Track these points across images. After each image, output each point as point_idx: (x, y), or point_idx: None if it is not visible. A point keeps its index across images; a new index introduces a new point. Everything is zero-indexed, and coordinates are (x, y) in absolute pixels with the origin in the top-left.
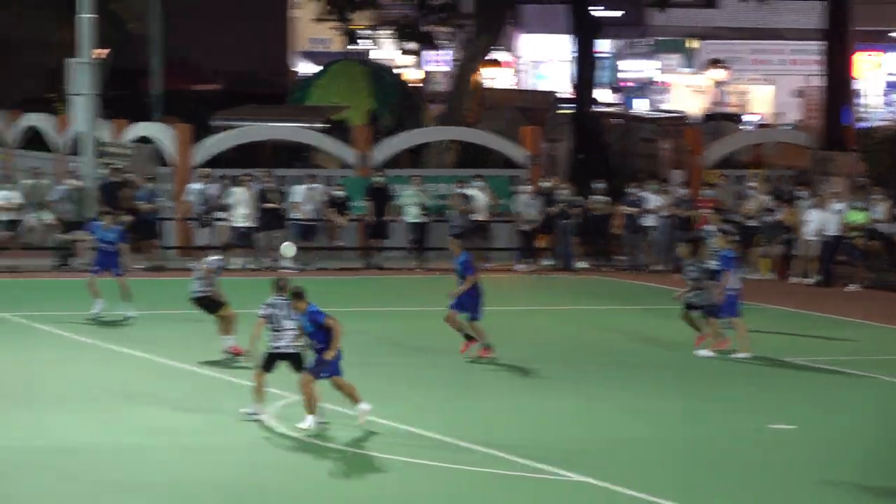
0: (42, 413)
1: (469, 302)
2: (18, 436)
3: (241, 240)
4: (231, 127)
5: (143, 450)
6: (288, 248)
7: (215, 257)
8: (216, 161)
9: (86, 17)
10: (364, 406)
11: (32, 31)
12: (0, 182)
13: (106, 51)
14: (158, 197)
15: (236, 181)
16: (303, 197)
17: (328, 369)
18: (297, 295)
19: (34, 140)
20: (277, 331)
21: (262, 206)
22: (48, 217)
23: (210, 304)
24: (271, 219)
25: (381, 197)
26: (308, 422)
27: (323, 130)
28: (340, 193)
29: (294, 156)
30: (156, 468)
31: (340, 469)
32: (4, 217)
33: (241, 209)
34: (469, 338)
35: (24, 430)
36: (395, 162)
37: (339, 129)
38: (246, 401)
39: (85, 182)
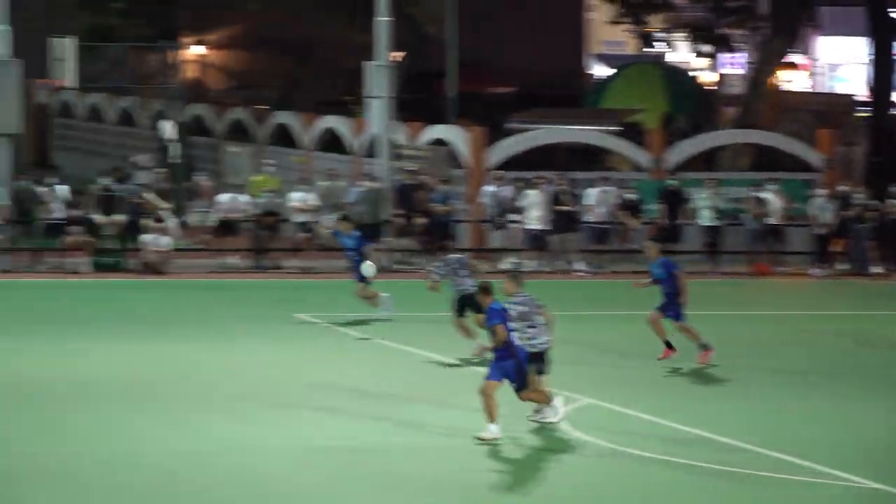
0: (342, 414)
1: (670, 304)
2: (322, 437)
3: (534, 242)
4: (525, 130)
5: (444, 450)
6: (368, 269)
7: (458, 255)
8: (510, 163)
9: (383, 21)
10: (547, 414)
11: (330, 35)
12: (297, 184)
13: (402, 54)
14: (453, 199)
15: (530, 183)
16: (596, 200)
17: (501, 372)
18: (485, 290)
19: (331, 142)
20: (532, 327)
21: (555, 209)
22: None
23: (472, 303)
24: (564, 221)
25: (674, 200)
26: (491, 431)
27: (617, 133)
28: (633, 196)
29: (588, 158)
30: (456, 469)
31: (625, 471)
32: (301, 218)
33: (534, 211)
34: (669, 346)
35: (327, 431)
36: (688, 165)
37: (633, 132)
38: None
39: (380, 184)
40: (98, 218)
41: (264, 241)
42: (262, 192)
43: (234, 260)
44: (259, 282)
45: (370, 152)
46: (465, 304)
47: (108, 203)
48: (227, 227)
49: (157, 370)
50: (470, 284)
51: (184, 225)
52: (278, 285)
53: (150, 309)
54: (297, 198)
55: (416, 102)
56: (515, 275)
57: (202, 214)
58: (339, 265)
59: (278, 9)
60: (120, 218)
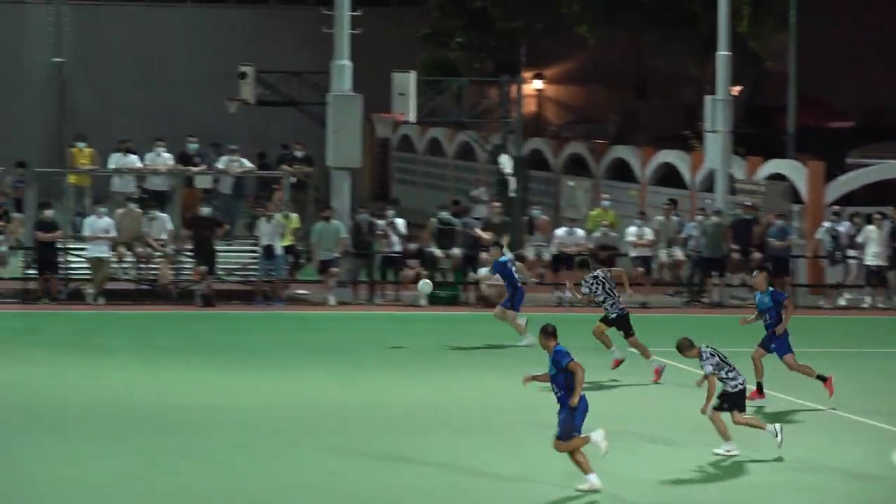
0: (660, 443)
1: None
2: (647, 469)
3: (873, 278)
4: (866, 164)
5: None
6: (425, 286)
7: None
8: (849, 199)
9: (723, 55)
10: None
11: (671, 68)
12: (634, 218)
13: (739, 88)
14: (790, 234)
15: (868, 219)
16: None
17: (574, 424)
18: (546, 332)
19: (668, 176)
20: (731, 370)
21: (895, 245)
22: (679, 253)
23: (627, 323)
24: None
25: None
26: (590, 482)
27: None
28: None
29: None
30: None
31: None
32: (635, 253)
33: (872, 247)
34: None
35: (651, 462)
36: None
37: None
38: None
39: (718, 219)
40: (435, 251)
41: None
42: (599, 226)
43: (570, 294)
44: (594, 315)
45: (707, 187)
46: (615, 323)
47: (446, 236)
48: (562, 261)
49: (487, 400)
50: (619, 306)
51: (520, 259)
52: None
53: (486, 343)
54: (632, 232)
55: (755, 137)
56: (684, 343)
57: (538, 248)
58: (674, 301)
59: (618, 43)
60: (457, 251)
